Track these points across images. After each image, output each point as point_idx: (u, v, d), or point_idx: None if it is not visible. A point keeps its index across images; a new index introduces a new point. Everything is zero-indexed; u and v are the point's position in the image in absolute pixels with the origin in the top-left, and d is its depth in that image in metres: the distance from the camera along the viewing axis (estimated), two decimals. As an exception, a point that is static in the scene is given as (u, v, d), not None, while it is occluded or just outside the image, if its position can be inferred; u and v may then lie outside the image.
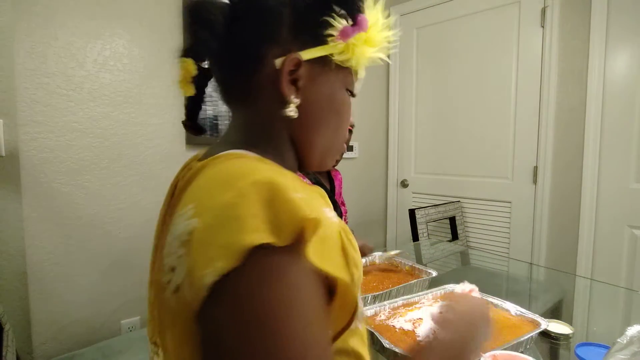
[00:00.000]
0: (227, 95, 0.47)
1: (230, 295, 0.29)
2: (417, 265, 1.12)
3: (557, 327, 0.82)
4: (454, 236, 2.14)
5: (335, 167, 1.54)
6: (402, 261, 1.17)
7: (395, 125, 2.52)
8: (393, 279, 1.07)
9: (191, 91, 0.44)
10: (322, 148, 0.47)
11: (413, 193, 2.45)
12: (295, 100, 0.41)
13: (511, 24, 1.96)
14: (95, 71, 1.26)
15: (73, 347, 1.24)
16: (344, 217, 1.55)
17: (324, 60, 0.42)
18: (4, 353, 0.86)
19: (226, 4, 0.41)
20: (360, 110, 2.36)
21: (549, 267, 1.87)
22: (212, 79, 0.48)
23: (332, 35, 0.41)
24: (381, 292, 0.91)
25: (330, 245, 0.33)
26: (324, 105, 0.44)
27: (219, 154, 0.40)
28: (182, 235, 0.31)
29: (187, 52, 0.41)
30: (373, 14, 0.43)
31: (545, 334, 0.80)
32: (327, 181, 1.48)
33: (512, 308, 0.84)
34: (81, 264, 1.26)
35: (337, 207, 1.43)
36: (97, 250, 1.29)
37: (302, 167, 0.48)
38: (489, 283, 1.37)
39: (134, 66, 1.33)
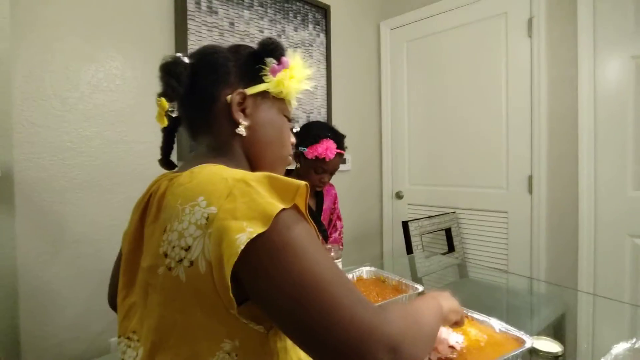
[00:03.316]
0: (193, 129, 0.62)
1: (272, 243, 0.42)
2: (404, 280, 1.11)
3: (546, 345, 0.79)
4: (450, 248, 2.13)
5: (330, 182, 1.53)
6: (389, 276, 1.17)
7: (388, 137, 2.53)
8: (378, 294, 1.07)
9: (165, 122, 0.61)
10: (270, 160, 0.63)
11: (408, 205, 2.45)
12: (244, 123, 0.58)
13: (499, 35, 1.99)
14: (89, 92, 1.31)
15: (63, 365, 1.25)
16: (339, 232, 1.54)
17: (264, 94, 0.60)
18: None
19: (188, 62, 0.59)
20: (353, 122, 2.38)
21: (549, 278, 1.84)
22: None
23: (265, 75, 0.59)
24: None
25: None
26: (267, 127, 0.61)
27: (195, 167, 0.52)
28: (200, 220, 0.43)
29: (161, 94, 0.58)
30: (294, 58, 0.62)
31: (535, 352, 0.78)
32: (313, 199, 1.45)
33: (497, 324, 0.82)
34: (71, 282, 1.28)
35: (322, 227, 1.41)
36: (87, 268, 1.31)
37: None
38: (488, 297, 1.35)
39: (127, 87, 1.38)
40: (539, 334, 0.87)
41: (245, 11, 1.78)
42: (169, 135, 0.67)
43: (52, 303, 1.24)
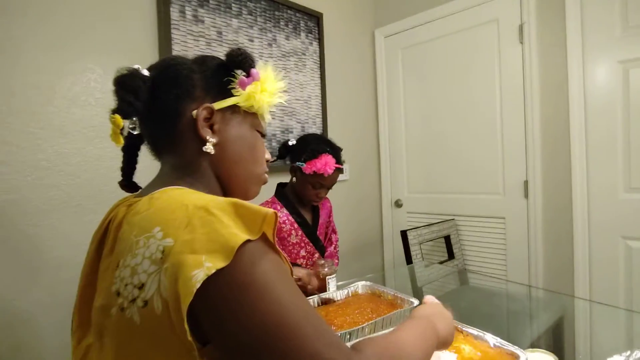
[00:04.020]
0: (157, 147, 0.58)
1: (234, 281, 0.37)
2: (400, 295, 1.06)
3: (541, 358, 0.76)
4: (450, 255, 2.08)
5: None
6: (385, 290, 1.11)
7: (386, 145, 2.50)
8: (373, 311, 1.01)
9: (121, 142, 0.54)
10: (242, 178, 0.59)
11: (408, 213, 2.41)
12: (212, 140, 0.53)
13: (491, 41, 1.98)
14: (65, 107, 1.24)
15: (44, 396, 1.17)
16: (334, 245, 1.49)
17: (234, 108, 0.56)
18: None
19: (148, 75, 0.54)
20: (349, 131, 2.34)
21: (546, 282, 1.85)
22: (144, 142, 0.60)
23: (234, 88, 0.56)
24: (354, 328, 0.85)
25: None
26: (238, 143, 0.57)
27: (156, 191, 0.48)
28: (155, 254, 0.39)
29: (115, 111, 0.52)
30: (265, 70, 0.58)
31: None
32: (309, 213, 1.40)
33: (491, 339, 0.78)
34: (51, 310, 1.20)
35: (318, 243, 1.36)
36: (68, 295, 1.22)
37: (227, 196, 0.55)
38: (488, 303, 1.36)
39: (107, 100, 1.31)
40: (538, 338, 0.84)
41: (233, 20, 1.74)
42: (130, 155, 0.61)
43: (30, 333, 1.17)
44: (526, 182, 1.89)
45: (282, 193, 1.36)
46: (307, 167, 1.24)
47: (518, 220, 1.93)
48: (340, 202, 2.26)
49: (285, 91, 0.61)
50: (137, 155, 0.62)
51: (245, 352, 0.37)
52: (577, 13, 1.69)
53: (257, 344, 0.37)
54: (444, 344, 0.59)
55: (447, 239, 2.09)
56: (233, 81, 0.55)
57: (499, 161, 1.99)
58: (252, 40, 1.81)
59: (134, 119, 0.55)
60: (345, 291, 1.14)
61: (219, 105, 0.54)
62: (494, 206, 2.02)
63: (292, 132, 1.96)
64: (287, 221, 1.31)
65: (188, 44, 1.58)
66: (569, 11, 1.70)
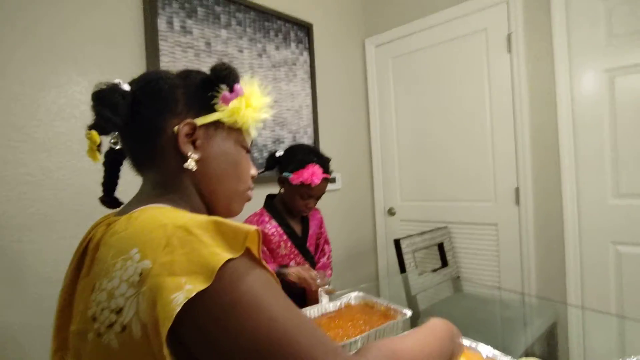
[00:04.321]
0: (138, 163, 0.56)
1: (218, 301, 0.36)
2: (393, 305, 1.04)
3: None
4: (444, 263, 2.07)
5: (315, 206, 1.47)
6: (378, 301, 1.10)
7: (378, 153, 2.50)
8: (366, 322, 0.99)
9: (97, 158, 0.53)
10: (226, 195, 0.58)
11: (401, 221, 2.40)
12: (194, 156, 0.52)
13: (480, 50, 2.00)
14: (49, 120, 1.22)
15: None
16: (327, 256, 1.47)
17: (217, 124, 0.55)
18: None
19: (128, 90, 0.53)
20: (341, 140, 2.34)
21: (539, 287, 1.86)
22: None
23: (217, 103, 0.54)
24: (346, 341, 0.83)
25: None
26: (221, 159, 0.56)
27: (135, 210, 0.47)
28: (133, 277, 0.37)
29: (91, 127, 0.51)
30: (250, 85, 0.57)
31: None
32: (298, 224, 1.38)
33: (485, 350, 0.77)
34: (34, 329, 1.16)
35: (309, 255, 1.34)
36: (49, 312, 1.19)
37: (210, 213, 0.56)
38: (482, 311, 1.36)
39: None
40: (532, 346, 0.83)
41: (222, 30, 1.73)
42: (112, 170, 0.60)
43: (12, 353, 1.13)
44: (517, 189, 1.90)
45: (271, 204, 1.35)
46: (295, 178, 1.24)
47: (510, 227, 1.93)
48: (332, 211, 2.25)
49: (272, 106, 0.60)
50: (118, 171, 0.60)
51: None
52: (563, 23, 1.71)
53: None
54: (453, 355, 0.57)
55: (441, 246, 2.08)
56: (217, 96, 0.54)
57: (490, 168, 1.99)
58: (241, 51, 1.81)
59: (115, 133, 0.55)
60: (338, 302, 1.12)
61: (201, 121, 0.53)
62: (486, 213, 2.02)
63: (283, 142, 1.96)
64: (275, 233, 1.29)
65: (176, 55, 1.57)
66: (555, 21, 1.73)
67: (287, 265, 1.23)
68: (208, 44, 1.69)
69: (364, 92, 2.53)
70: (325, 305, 1.11)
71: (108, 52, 1.36)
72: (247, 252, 0.41)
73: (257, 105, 0.57)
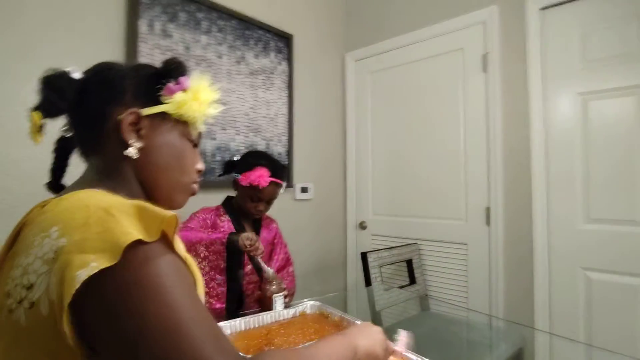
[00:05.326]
0: (83, 147, 0.58)
1: (120, 280, 0.37)
2: (347, 316, 1.04)
3: None
4: (412, 280, 2.07)
5: (267, 215, 1.47)
6: (333, 311, 1.09)
7: (352, 167, 2.51)
8: (317, 332, 0.99)
9: (39, 140, 0.54)
10: (168, 186, 0.58)
11: (372, 235, 2.40)
12: (136, 144, 0.54)
13: (456, 69, 2.04)
14: (24, 113, 1.21)
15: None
16: (287, 270, 1.46)
17: (164, 116, 0.57)
18: None
19: (76, 78, 0.55)
20: (316, 151, 2.35)
21: (507, 310, 1.83)
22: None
23: (164, 95, 0.56)
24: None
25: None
26: (164, 151, 0.57)
27: (67, 193, 0.48)
28: (48, 254, 0.38)
29: (35, 108, 0.53)
30: (197, 79, 0.58)
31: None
32: (251, 228, 1.41)
33: None
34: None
35: (254, 260, 1.32)
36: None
37: (153, 203, 0.54)
38: (447, 331, 1.34)
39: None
40: None
41: (202, 36, 1.76)
42: (61, 157, 0.61)
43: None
44: (488, 209, 1.90)
45: (229, 203, 1.40)
46: (243, 179, 1.30)
47: (480, 247, 1.93)
48: (304, 222, 2.25)
49: (220, 103, 0.61)
50: (67, 158, 0.62)
51: (128, 355, 0.36)
52: (538, 45, 1.74)
53: (142, 346, 0.36)
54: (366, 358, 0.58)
55: (409, 263, 2.09)
56: (162, 88, 0.56)
57: (461, 187, 2.00)
58: (220, 57, 1.83)
59: (66, 121, 0.57)
60: (293, 310, 1.12)
61: (147, 111, 0.55)
62: (456, 232, 2.02)
63: (257, 149, 1.96)
64: (227, 228, 1.33)
65: (155, 57, 1.58)
66: (530, 44, 1.76)
67: (237, 233, 1.25)
68: (187, 48, 1.70)
69: (342, 105, 2.55)
70: (280, 312, 1.10)
71: (87, 49, 1.37)
72: (163, 238, 0.41)
73: (204, 100, 0.58)
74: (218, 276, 1.25)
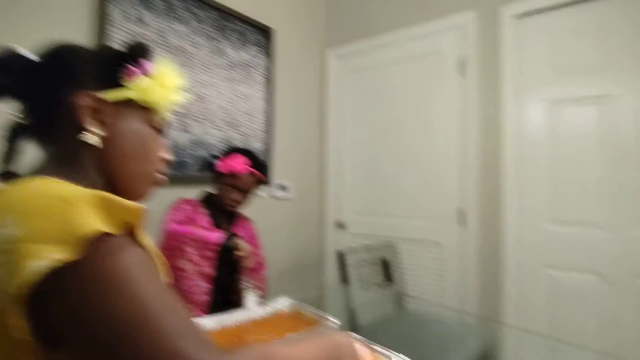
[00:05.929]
0: (38, 134, 0.53)
1: (82, 272, 0.35)
2: (322, 314, 1.02)
3: None
4: (389, 278, 2.08)
5: (244, 215, 1.45)
6: (308, 309, 1.07)
7: (332, 165, 2.50)
8: (292, 329, 0.97)
9: None
10: (130, 175, 0.55)
11: (351, 234, 2.40)
12: (95, 131, 0.50)
13: (434, 71, 2.07)
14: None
15: None
16: (262, 265, 1.43)
17: (128, 102, 0.53)
18: None
19: (30, 58, 0.51)
20: (295, 148, 2.33)
21: (480, 307, 1.87)
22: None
23: (123, 78, 0.52)
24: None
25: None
26: (127, 138, 0.54)
27: (20, 181, 0.44)
28: (1, 245, 0.36)
29: None
30: (162, 64, 0.56)
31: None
32: (226, 224, 1.39)
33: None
34: None
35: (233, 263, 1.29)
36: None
37: (114, 193, 0.51)
38: (421, 328, 1.39)
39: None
40: None
41: (178, 25, 1.70)
42: (11, 143, 0.56)
43: None
44: (461, 210, 1.94)
45: (207, 197, 1.40)
46: (220, 165, 1.32)
47: (453, 247, 1.97)
48: (282, 220, 2.22)
49: (186, 90, 0.59)
50: (19, 145, 0.58)
51: (98, 351, 0.35)
52: (512, 53, 1.80)
53: (111, 342, 0.34)
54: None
55: (386, 262, 2.10)
56: (123, 72, 0.53)
57: (436, 187, 2.03)
58: (196, 47, 1.77)
59: (20, 106, 0.53)
60: (268, 309, 1.09)
61: (107, 95, 0.51)
62: (431, 232, 2.05)
63: (233, 143, 1.92)
64: (205, 224, 1.32)
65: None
66: (504, 50, 1.82)
67: (237, 236, 1.25)
68: (162, 36, 1.64)
69: (322, 102, 2.54)
70: (254, 309, 1.07)
71: (55, 30, 1.29)
72: (128, 230, 0.40)
73: (169, 86, 0.56)
74: (203, 283, 1.21)
